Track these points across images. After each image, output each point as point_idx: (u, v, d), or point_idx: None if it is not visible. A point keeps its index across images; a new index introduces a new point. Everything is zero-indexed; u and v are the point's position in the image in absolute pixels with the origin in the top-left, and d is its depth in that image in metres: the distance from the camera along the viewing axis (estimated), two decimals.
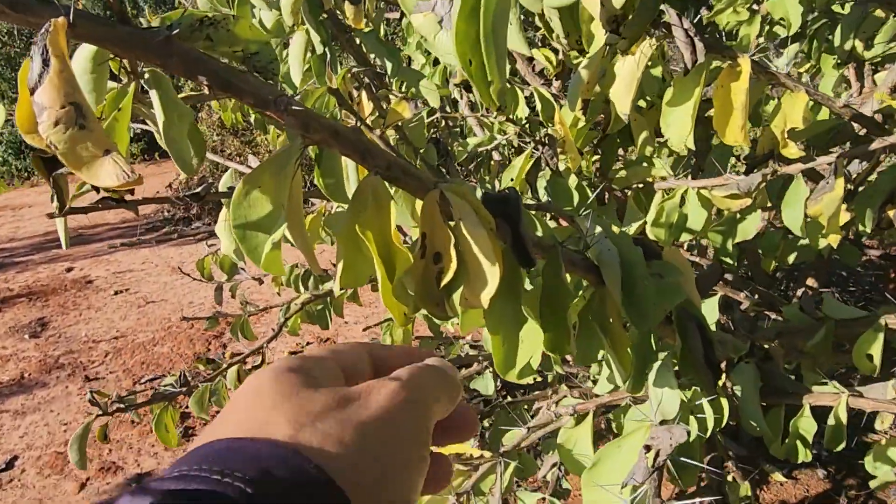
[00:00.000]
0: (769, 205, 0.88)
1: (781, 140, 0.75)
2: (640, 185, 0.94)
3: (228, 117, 1.56)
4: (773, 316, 1.02)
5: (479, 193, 0.56)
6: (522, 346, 0.47)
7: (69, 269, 3.99)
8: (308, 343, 2.72)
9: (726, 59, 0.72)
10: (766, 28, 1.33)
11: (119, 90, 0.37)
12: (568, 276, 0.54)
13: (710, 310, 0.88)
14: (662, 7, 0.70)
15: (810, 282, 1.44)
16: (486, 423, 1.14)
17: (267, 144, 4.61)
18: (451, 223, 0.43)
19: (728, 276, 1.18)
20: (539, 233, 0.59)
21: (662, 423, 0.57)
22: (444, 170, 1.09)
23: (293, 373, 0.25)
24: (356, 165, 0.55)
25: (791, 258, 1.19)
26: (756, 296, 1.18)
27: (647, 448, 0.51)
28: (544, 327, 0.51)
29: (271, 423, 0.22)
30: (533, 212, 0.63)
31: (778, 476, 1.82)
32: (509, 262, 0.45)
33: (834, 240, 0.90)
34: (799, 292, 1.44)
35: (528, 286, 0.54)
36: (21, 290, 3.68)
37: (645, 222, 0.90)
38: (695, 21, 0.71)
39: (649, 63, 0.81)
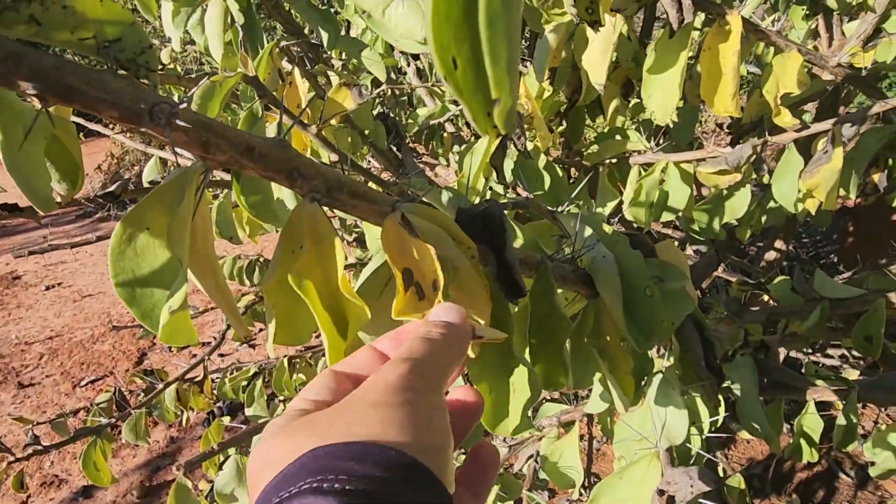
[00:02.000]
0: (753, 176, 0.81)
1: (774, 107, 0.67)
2: (614, 161, 0.85)
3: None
4: (759, 295, 0.97)
5: (445, 199, 0.46)
6: (514, 395, 0.37)
7: None
8: (261, 330, 2.59)
9: (714, 17, 0.63)
10: None
11: None
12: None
13: None
14: None
15: (779, 243, 1.41)
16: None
17: None
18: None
19: (701, 248, 1.12)
20: (518, 243, 0.49)
21: (669, 450, 0.50)
22: (395, 151, 0.97)
23: (292, 421, 0.23)
24: None
25: (763, 220, 1.14)
26: (731, 266, 1.12)
27: (661, 492, 0.43)
28: (534, 359, 0.42)
29: (322, 442, 0.21)
30: (507, 211, 0.53)
31: (744, 434, 1.83)
32: (495, 296, 0.35)
33: (811, 205, 0.84)
34: (768, 255, 1.40)
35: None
36: None
37: (621, 201, 0.82)
38: None
39: (625, 26, 0.72)
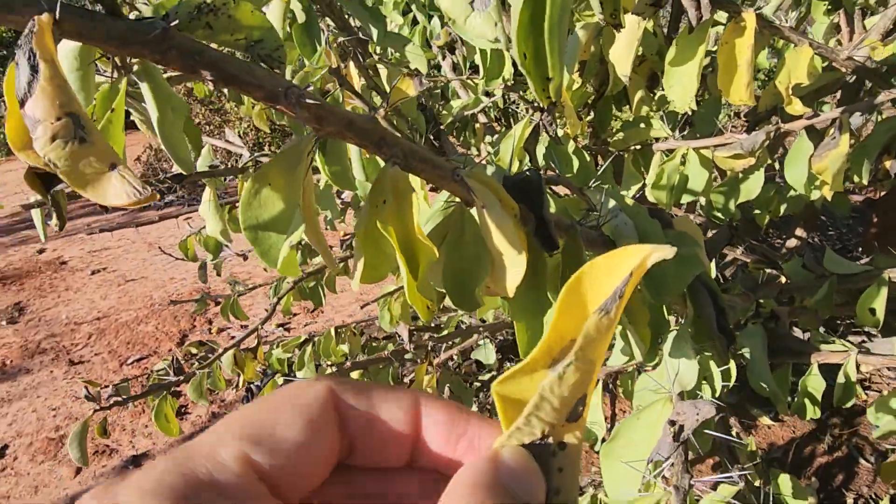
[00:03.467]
0: (769, 161, 0.87)
1: (786, 96, 0.73)
2: (638, 147, 0.92)
3: (201, 89, 1.50)
4: (770, 272, 1.03)
5: (490, 171, 0.53)
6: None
7: (41, 251, 3.88)
8: (295, 315, 2.70)
9: (731, 14, 0.70)
10: None
11: (110, 87, 0.34)
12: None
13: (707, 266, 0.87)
14: None
15: (800, 231, 1.45)
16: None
17: (237, 112, 4.47)
18: (473, 210, 0.41)
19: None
20: (552, 210, 0.57)
21: (681, 394, 0.57)
22: (434, 140, 1.05)
23: None
24: (360, 151, 0.52)
25: (782, 209, 1.20)
26: (751, 250, 1.18)
27: (672, 423, 0.50)
28: None
29: None
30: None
31: (765, 420, 1.88)
32: (534, 249, 0.43)
33: (827, 192, 0.90)
34: (789, 242, 1.45)
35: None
36: None
37: (644, 185, 0.89)
38: None
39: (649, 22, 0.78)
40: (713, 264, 0.93)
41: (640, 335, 0.54)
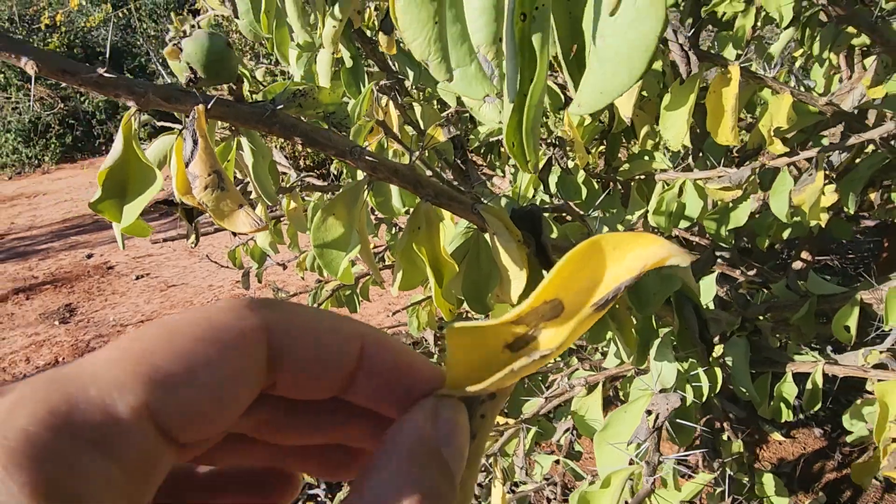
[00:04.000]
0: (759, 192, 0.97)
1: (768, 138, 0.84)
2: (643, 177, 1.02)
3: None
4: (766, 292, 1.12)
5: (503, 203, 0.65)
6: None
7: (89, 256, 4.11)
8: None
9: (719, 66, 0.81)
10: (763, 15, 1.39)
11: (225, 145, 0.47)
12: None
13: (708, 286, 0.98)
14: None
15: (805, 255, 1.54)
16: None
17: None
18: (486, 235, 0.53)
19: (725, 254, 1.28)
20: (554, 235, 0.68)
21: (662, 391, 0.68)
22: (460, 164, 1.18)
23: None
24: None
25: (786, 234, 1.29)
26: (752, 271, 1.27)
27: (649, 412, 0.61)
28: None
29: None
30: (547, 213, 0.73)
31: (777, 435, 1.94)
32: (533, 266, 0.54)
33: (822, 219, 1.00)
34: (796, 265, 1.54)
35: None
36: (45, 277, 3.81)
37: (647, 211, 1.00)
38: (690, 35, 0.79)
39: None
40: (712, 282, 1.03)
41: (626, 340, 0.65)
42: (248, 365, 0.17)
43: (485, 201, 0.57)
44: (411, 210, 0.52)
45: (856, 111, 0.86)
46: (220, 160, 0.47)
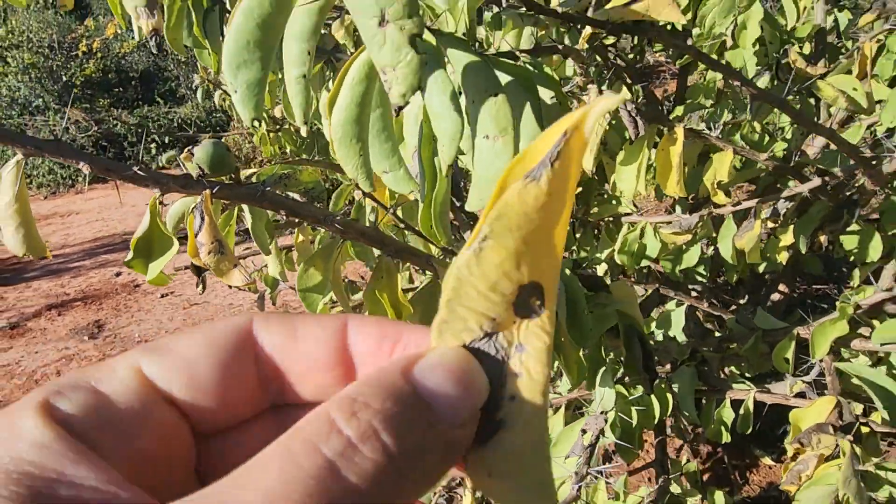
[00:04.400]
0: (714, 235, 1.07)
1: (712, 190, 0.94)
2: (611, 219, 1.14)
3: (268, 150, 1.80)
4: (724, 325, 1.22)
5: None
6: None
7: (118, 274, 4.31)
8: None
9: (666, 127, 0.92)
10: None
11: (227, 214, 0.60)
12: None
13: (678, 318, 1.08)
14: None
15: (782, 287, 1.62)
16: None
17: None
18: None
19: (697, 287, 1.38)
20: None
21: (602, 413, 0.78)
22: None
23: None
24: None
25: (761, 268, 1.39)
26: (720, 303, 1.37)
27: (584, 431, 0.72)
28: None
29: None
30: None
31: (767, 460, 2.00)
32: None
33: (783, 258, 1.10)
34: (774, 296, 1.62)
35: None
36: (76, 294, 4.01)
37: (613, 250, 1.11)
38: (638, 102, 0.91)
39: (607, 127, 1.01)
40: (682, 314, 1.13)
41: (569, 370, 0.76)
42: (237, 364, 0.19)
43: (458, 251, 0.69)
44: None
45: (792, 164, 0.96)
46: (224, 225, 0.60)
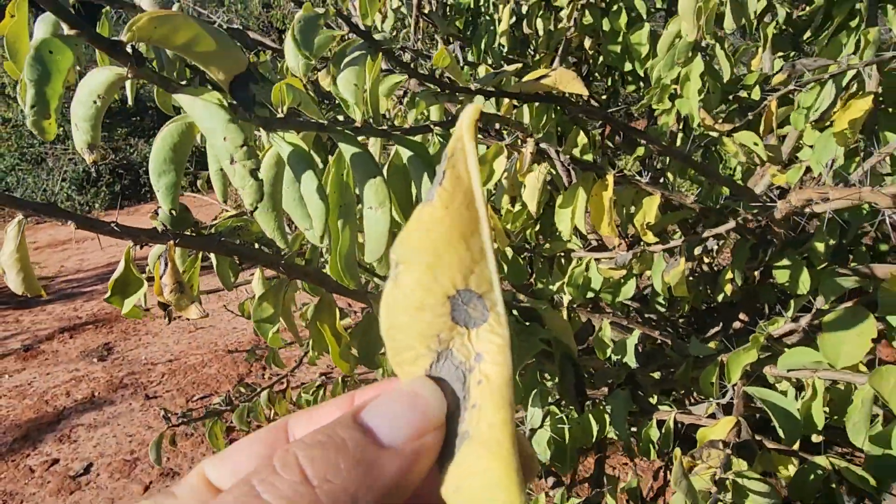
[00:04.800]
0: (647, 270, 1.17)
1: (642, 230, 1.05)
2: (563, 254, 1.24)
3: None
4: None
5: None
6: None
7: None
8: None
9: (598, 175, 1.03)
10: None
11: (193, 259, 0.71)
12: None
13: (632, 342, 1.18)
14: (546, 146, 1.01)
15: (742, 316, 1.71)
16: None
17: None
18: None
19: (653, 316, 1.48)
20: None
21: (532, 430, 0.88)
22: None
23: None
24: None
25: (720, 297, 1.48)
26: (676, 332, 1.46)
27: None
28: None
29: None
30: None
31: None
32: None
33: (728, 290, 1.20)
34: (735, 324, 1.71)
35: None
36: (88, 317, 4.16)
37: (563, 283, 1.21)
38: (571, 154, 1.02)
39: (548, 174, 1.13)
40: (634, 340, 1.23)
41: None
42: (274, 439, 0.23)
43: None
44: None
45: (717, 206, 1.07)
46: (190, 267, 0.72)
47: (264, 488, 0.17)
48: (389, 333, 0.19)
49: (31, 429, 2.87)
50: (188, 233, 0.63)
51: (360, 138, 0.54)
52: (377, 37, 0.56)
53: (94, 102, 0.37)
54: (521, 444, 0.18)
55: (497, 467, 0.17)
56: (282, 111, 0.45)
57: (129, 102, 0.76)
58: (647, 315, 1.49)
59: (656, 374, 1.23)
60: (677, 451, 0.85)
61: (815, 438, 0.88)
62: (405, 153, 0.57)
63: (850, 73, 1.04)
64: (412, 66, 1.45)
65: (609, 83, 2.03)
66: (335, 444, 0.18)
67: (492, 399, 0.18)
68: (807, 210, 0.81)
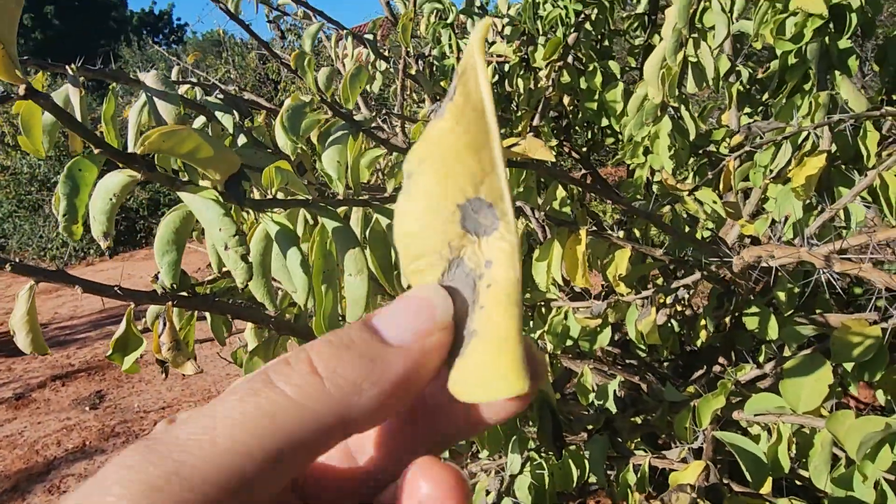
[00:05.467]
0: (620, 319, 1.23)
1: (614, 282, 1.11)
2: (543, 303, 1.30)
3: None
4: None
5: None
6: None
7: None
8: None
9: (571, 230, 1.10)
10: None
11: (188, 317, 0.77)
12: None
13: (613, 387, 1.23)
14: (521, 204, 1.08)
15: (721, 360, 1.76)
16: None
17: None
18: None
19: (634, 361, 1.52)
20: None
21: (511, 476, 0.92)
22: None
23: None
24: None
25: (698, 343, 1.53)
26: (658, 377, 1.51)
27: (487, 492, 0.86)
28: None
29: None
30: None
31: None
32: None
33: (703, 336, 1.26)
34: (715, 368, 1.76)
35: None
36: (81, 365, 4.16)
37: (543, 331, 1.26)
38: (546, 209, 1.09)
39: (524, 229, 1.19)
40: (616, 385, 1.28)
41: (480, 442, 0.90)
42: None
43: None
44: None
45: (688, 259, 1.13)
46: (186, 324, 0.77)
47: (277, 377, 0.18)
48: (403, 241, 0.20)
49: (21, 479, 2.84)
50: (184, 293, 0.68)
51: (343, 208, 0.60)
52: (357, 118, 0.62)
53: (111, 199, 0.43)
54: (529, 347, 0.19)
55: (503, 359, 0.18)
56: (272, 193, 0.52)
57: None
58: (628, 361, 1.54)
59: (638, 419, 1.27)
60: (636, 495, 0.89)
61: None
62: (384, 220, 0.63)
63: (804, 133, 1.12)
64: (402, 125, 1.53)
65: (589, 135, 2.12)
66: (343, 342, 0.19)
67: (498, 299, 0.19)
68: (762, 264, 0.87)
